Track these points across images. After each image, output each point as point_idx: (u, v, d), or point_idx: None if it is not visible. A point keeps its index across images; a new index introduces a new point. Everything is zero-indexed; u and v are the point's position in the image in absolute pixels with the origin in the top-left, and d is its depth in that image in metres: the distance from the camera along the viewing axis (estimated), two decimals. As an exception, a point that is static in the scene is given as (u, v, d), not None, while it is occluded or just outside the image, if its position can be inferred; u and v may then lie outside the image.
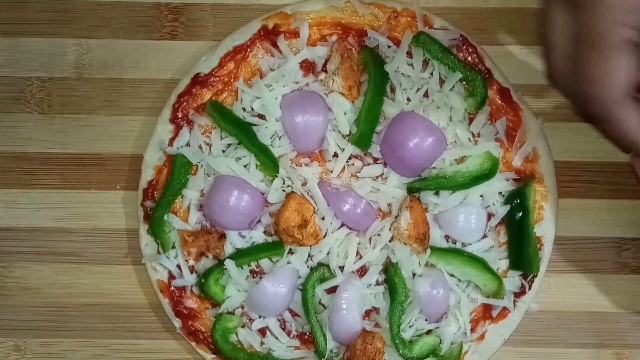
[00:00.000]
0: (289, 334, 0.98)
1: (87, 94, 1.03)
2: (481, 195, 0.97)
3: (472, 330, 0.97)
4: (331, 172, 0.98)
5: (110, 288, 1.02)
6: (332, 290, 0.97)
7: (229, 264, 0.95)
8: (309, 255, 0.98)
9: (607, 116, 0.73)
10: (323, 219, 0.97)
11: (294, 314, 0.98)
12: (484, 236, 0.98)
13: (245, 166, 0.97)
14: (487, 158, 0.96)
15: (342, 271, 0.97)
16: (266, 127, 0.97)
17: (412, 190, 0.96)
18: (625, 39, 0.69)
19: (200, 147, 0.98)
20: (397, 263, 0.96)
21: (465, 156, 0.97)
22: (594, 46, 0.70)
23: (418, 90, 0.98)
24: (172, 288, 0.98)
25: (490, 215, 0.98)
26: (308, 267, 0.98)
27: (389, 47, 0.99)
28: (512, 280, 0.98)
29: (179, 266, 0.98)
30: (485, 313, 0.98)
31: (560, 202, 1.00)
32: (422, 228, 0.95)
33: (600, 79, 0.71)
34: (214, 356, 0.98)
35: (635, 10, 0.68)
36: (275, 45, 0.99)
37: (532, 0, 1.02)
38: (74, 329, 1.01)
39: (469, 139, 0.98)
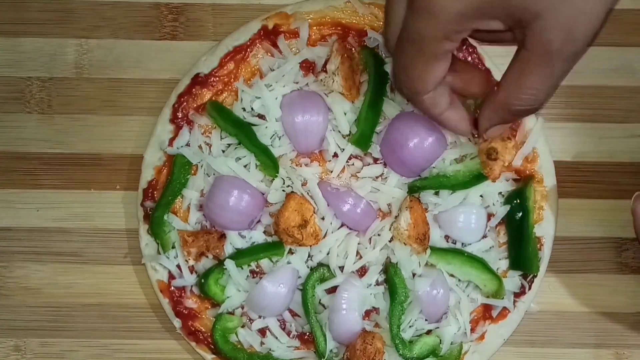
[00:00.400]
0: (288, 334, 0.98)
1: (87, 94, 1.04)
2: (481, 196, 0.97)
3: (472, 330, 0.97)
4: (331, 172, 0.98)
5: (110, 288, 1.02)
6: (332, 290, 0.97)
7: (229, 263, 0.95)
8: (308, 256, 0.98)
9: (419, 103, 0.82)
10: (323, 219, 0.97)
11: (293, 314, 0.98)
12: (484, 236, 0.98)
13: (245, 166, 0.97)
14: None
15: (342, 271, 0.97)
16: (266, 127, 0.97)
17: (413, 189, 0.96)
18: (446, 50, 0.76)
19: (200, 147, 0.98)
20: (397, 263, 0.96)
21: (465, 156, 0.97)
22: (420, 51, 0.76)
23: (418, 90, 0.98)
24: (172, 288, 0.98)
25: (490, 216, 0.98)
26: (308, 267, 0.98)
27: (389, 47, 0.99)
28: (512, 280, 0.98)
29: (178, 266, 0.98)
30: (485, 313, 0.98)
31: (560, 202, 1.00)
32: (422, 228, 0.95)
33: (418, 77, 0.79)
34: (213, 356, 0.98)
35: (460, 27, 0.73)
36: (275, 45, 0.99)
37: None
38: (74, 329, 1.01)
39: (468, 139, 0.97)
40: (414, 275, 0.96)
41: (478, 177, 0.96)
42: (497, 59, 1.00)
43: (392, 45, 0.80)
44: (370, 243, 0.97)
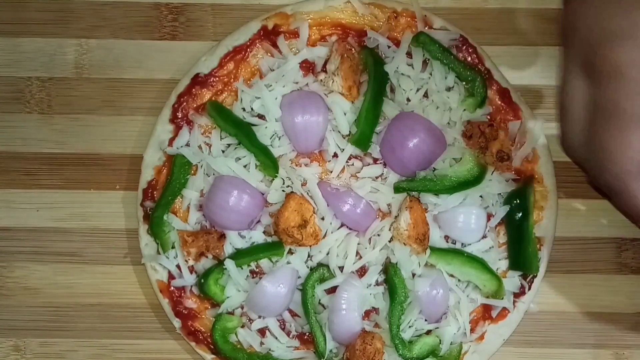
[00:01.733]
0: (288, 334, 0.98)
1: (86, 94, 1.03)
2: (481, 196, 0.97)
3: (472, 330, 0.97)
4: (331, 172, 0.98)
5: (109, 288, 1.02)
6: (332, 290, 0.97)
7: (229, 263, 0.95)
8: (308, 256, 0.98)
9: (621, 189, 0.72)
10: (323, 219, 0.97)
11: (293, 314, 0.98)
12: (484, 236, 0.98)
13: (245, 166, 0.97)
14: (476, 165, 0.96)
15: (341, 271, 0.97)
16: (266, 128, 0.97)
17: (398, 189, 0.96)
18: None
19: (200, 147, 0.98)
20: (396, 263, 0.96)
21: (455, 159, 0.97)
22: (611, 118, 0.69)
23: (418, 90, 0.98)
24: (172, 288, 0.98)
25: (490, 216, 0.98)
26: (308, 267, 0.98)
27: (389, 47, 0.99)
28: (512, 281, 0.98)
29: (178, 266, 0.98)
30: (485, 313, 0.98)
31: (560, 203, 1.00)
32: (421, 228, 0.95)
33: (615, 151, 0.70)
34: (213, 356, 0.98)
35: None
36: (275, 45, 0.99)
37: (533, 1, 1.03)
38: (74, 329, 1.01)
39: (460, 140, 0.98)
40: (413, 275, 0.96)
41: (464, 184, 0.95)
42: (496, 59, 1.00)
43: (575, 141, 0.71)
44: (370, 243, 0.97)
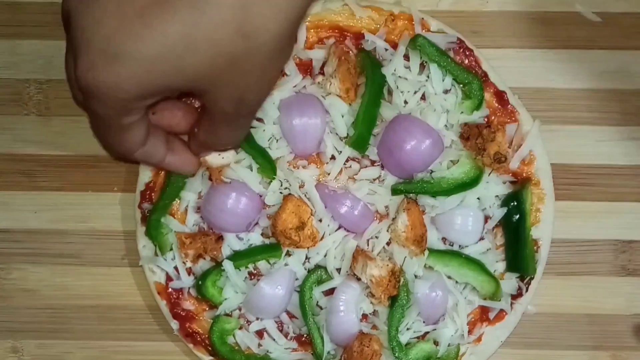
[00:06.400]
0: (286, 335, 0.98)
1: (85, 96, 1.03)
2: (478, 198, 0.97)
3: (469, 332, 0.98)
4: (328, 174, 0.98)
5: (107, 290, 1.02)
6: (330, 292, 0.97)
7: (227, 265, 0.95)
8: (306, 257, 0.98)
9: (134, 160, 0.84)
10: (320, 221, 0.97)
11: (291, 316, 0.98)
12: (481, 238, 0.98)
13: (243, 168, 0.98)
14: (473, 167, 0.96)
15: (339, 273, 0.97)
16: (264, 130, 0.97)
17: (396, 191, 0.96)
18: (131, 122, 0.76)
19: (198, 149, 0.98)
20: (401, 266, 0.96)
21: (452, 161, 0.97)
22: (106, 126, 0.76)
23: (415, 93, 0.98)
24: (170, 290, 0.98)
25: (487, 218, 0.98)
26: (305, 269, 0.98)
27: (386, 50, 0.99)
28: (509, 283, 0.98)
29: (176, 268, 0.98)
30: (483, 315, 0.98)
31: (557, 205, 1.00)
32: (419, 230, 0.95)
33: (118, 144, 0.79)
34: (211, 358, 0.98)
35: (132, 107, 0.73)
36: (273, 47, 0.99)
37: (531, 3, 1.03)
38: (72, 330, 1.01)
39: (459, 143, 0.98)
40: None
41: (461, 186, 0.96)
42: (494, 61, 1.00)
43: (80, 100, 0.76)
44: (368, 245, 0.97)
